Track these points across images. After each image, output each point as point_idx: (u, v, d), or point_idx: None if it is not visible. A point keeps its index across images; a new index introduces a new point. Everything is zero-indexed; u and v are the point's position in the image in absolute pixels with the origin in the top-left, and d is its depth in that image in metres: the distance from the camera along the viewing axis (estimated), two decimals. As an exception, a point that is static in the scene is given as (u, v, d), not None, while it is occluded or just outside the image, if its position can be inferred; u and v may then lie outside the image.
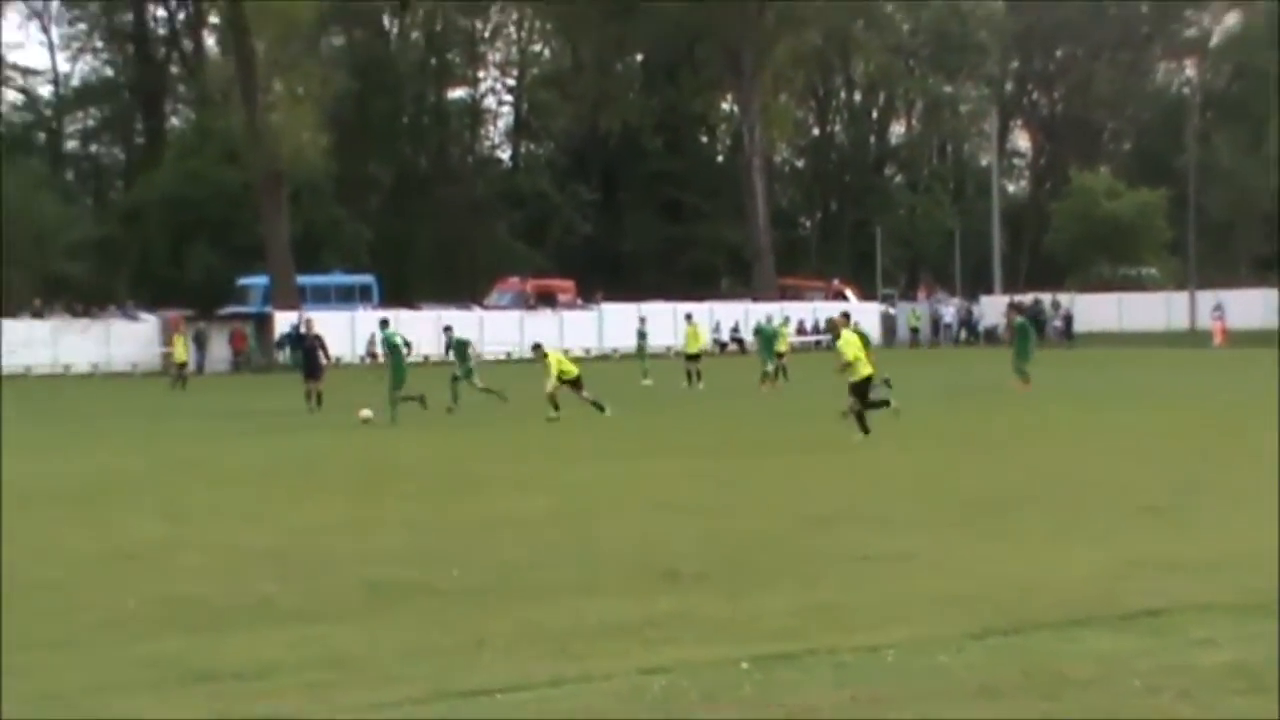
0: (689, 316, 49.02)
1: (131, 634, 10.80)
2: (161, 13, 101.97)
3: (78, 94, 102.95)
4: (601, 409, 32.21)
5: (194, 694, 9.07)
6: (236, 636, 10.68)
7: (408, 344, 35.75)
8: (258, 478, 22.21)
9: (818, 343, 74.60)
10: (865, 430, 25.54)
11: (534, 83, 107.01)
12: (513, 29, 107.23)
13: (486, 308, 78.13)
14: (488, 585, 12.61)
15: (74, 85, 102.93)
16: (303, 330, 41.53)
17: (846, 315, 29.15)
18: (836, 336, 27.38)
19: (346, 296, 76.68)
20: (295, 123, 72.92)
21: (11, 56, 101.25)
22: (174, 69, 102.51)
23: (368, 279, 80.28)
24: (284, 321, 67.09)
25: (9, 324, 67.22)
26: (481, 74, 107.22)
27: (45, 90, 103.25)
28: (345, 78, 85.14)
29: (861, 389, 26.03)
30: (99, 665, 9.83)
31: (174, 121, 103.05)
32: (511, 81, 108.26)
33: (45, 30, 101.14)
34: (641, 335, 51.56)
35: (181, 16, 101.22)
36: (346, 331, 66.27)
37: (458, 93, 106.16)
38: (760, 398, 39.25)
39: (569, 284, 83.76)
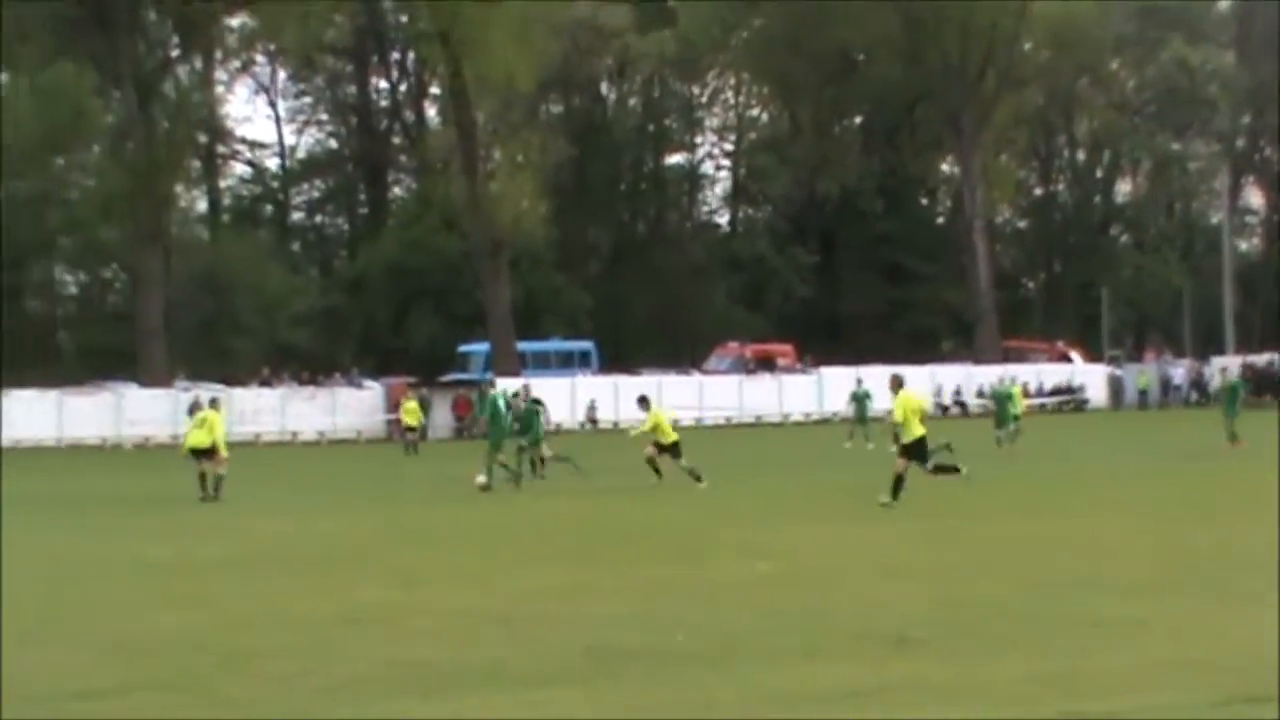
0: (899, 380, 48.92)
1: (362, 698, 10.82)
2: (384, 85, 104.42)
3: (303, 166, 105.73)
4: (698, 479, 31.42)
5: (425, 757, 9.05)
6: (466, 700, 10.65)
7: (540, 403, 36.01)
8: (483, 542, 22.31)
9: (1042, 405, 73.43)
10: (895, 496, 25.11)
11: (752, 147, 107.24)
12: (730, 94, 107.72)
13: (705, 373, 78.18)
14: (713, 650, 12.44)
15: (300, 157, 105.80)
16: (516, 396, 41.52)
17: (899, 379, 28.35)
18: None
19: (566, 362, 77.33)
20: (515, 190, 73.95)
21: (240, 130, 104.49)
22: (396, 140, 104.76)
23: (587, 345, 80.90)
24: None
25: (239, 392, 68.84)
26: (699, 139, 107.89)
27: (272, 163, 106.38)
28: (564, 145, 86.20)
29: (914, 449, 25.73)
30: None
31: (396, 191, 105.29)
32: (729, 146, 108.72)
33: (272, 104, 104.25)
34: (858, 398, 51.03)
35: (403, 88, 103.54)
36: (566, 397, 66.77)
37: (675, 158, 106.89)
38: (993, 459, 38.59)
39: (788, 348, 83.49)
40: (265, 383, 73.21)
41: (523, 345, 75.53)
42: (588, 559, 19.41)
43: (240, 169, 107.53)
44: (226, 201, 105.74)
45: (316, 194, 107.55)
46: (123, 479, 42.44)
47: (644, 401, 34.31)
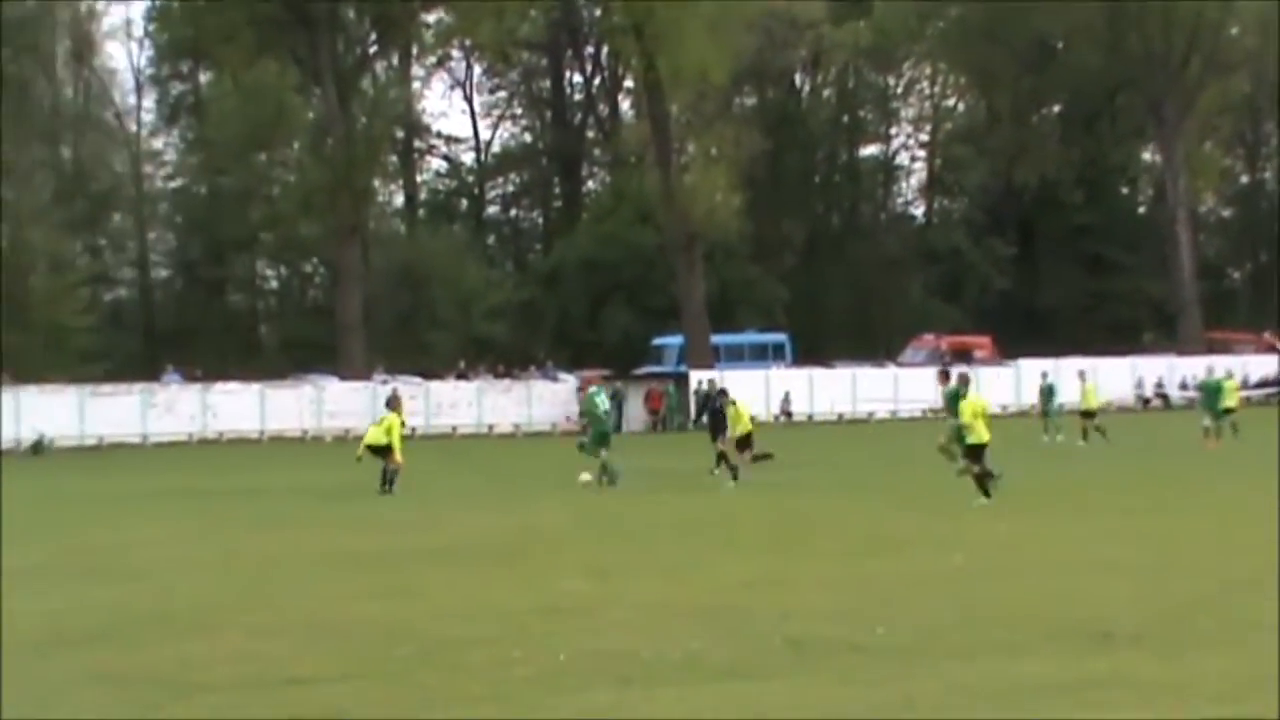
0: (1082, 374, 48.30)
1: (563, 687, 10.87)
2: (578, 79, 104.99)
3: (498, 160, 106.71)
4: (734, 479, 31.38)
5: (625, 747, 9.07)
6: (666, 691, 10.66)
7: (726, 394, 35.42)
8: (678, 535, 22.30)
9: (1248, 399, 71.76)
10: (987, 494, 25.28)
11: (948, 137, 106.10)
12: (926, 84, 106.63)
13: (900, 365, 77.54)
14: (912, 644, 12.33)
15: (495, 152, 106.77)
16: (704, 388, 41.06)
17: (965, 379, 28.81)
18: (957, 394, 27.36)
19: (760, 355, 77.12)
20: (709, 183, 73.90)
21: (436, 125, 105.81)
22: (590, 133, 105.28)
23: (780, 337, 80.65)
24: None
25: (436, 385, 69.72)
26: (894, 130, 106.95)
27: (468, 157, 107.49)
28: (758, 137, 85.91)
29: (977, 452, 25.87)
30: (533, 715, 9.91)
31: (590, 185, 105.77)
32: (925, 137, 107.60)
33: (468, 99, 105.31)
34: (1046, 392, 50.13)
35: (597, 82, 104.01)
36: (761, 390, 66.62)
37: (870, 149, 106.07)
38: (1197, 454, 37.81)
39: (985, 340, 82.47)
40: (462, 375, 73.99)
41: (716, 338, 75.47)
42: (782, 551, 19.33)
43: (436, 164, 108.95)
44: (423, 196, 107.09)
45: (511, 188, 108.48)
46: (323, 471, 43.17)
47: (724, 394, 34.34)
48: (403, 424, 33.53)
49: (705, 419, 36.48)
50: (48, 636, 13.51)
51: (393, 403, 33.83)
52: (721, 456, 33.94)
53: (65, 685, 11.12)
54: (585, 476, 32.47)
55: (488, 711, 10.16)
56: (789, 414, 68.78)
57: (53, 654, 12.60)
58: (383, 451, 31.98)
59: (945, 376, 29.96)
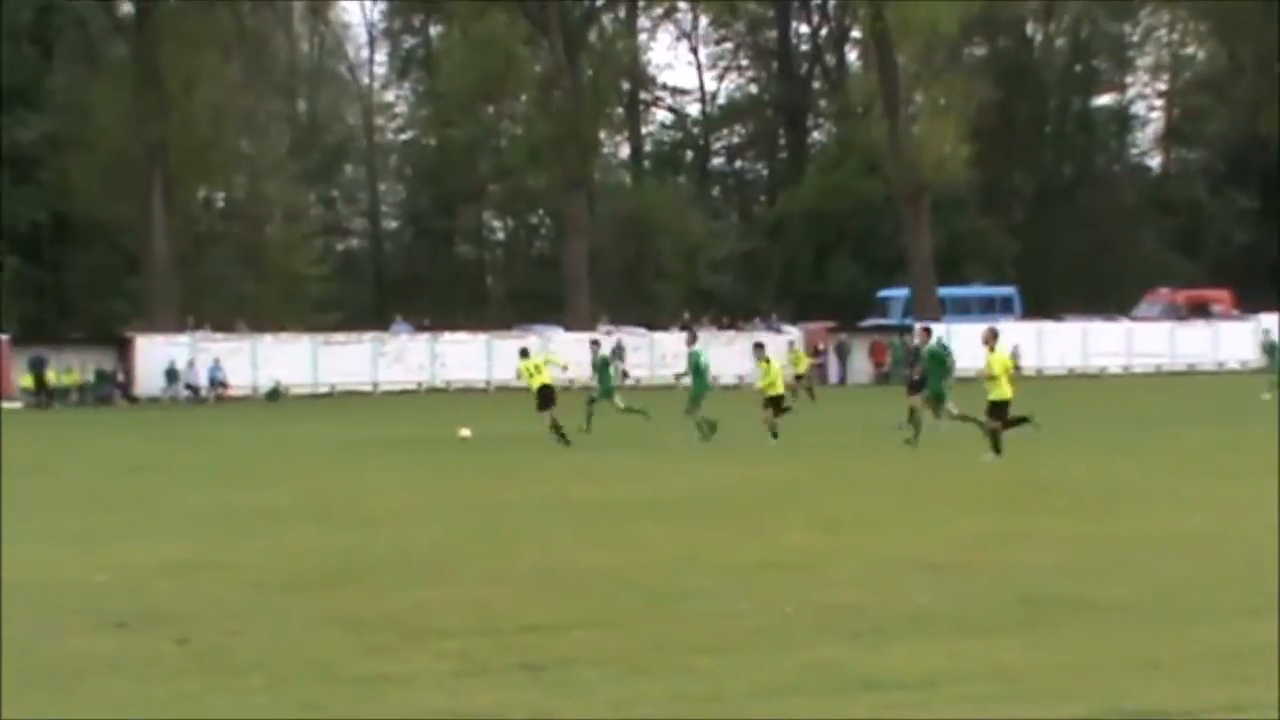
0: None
1: (790, 641, 10.81)
2: (805, 29, 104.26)
3: (724, 112, 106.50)
4: (774, 435, 30.91)
5: (857, 702, 8.98)
6: (896, 646, 10.54)
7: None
8: (904, 489, 22.09)
9: None
10: (997, 450, 25.59)
11: (1187, 86, 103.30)
12: (1164, 31, 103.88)
13: (1134, 319, 75.94)
14: (1151, 603, 12.06)
15: (720, 103, 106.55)
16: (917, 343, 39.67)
17: (995, 332, 28.39)
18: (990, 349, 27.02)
19: (987, 308, 76.07)
20: (938, 134, 72.97)
21: (662, 77, 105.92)
22: (817, 84, 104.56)
23: (1009, 290, 79.52)
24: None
25: (660, 336, 69.96)
26: (1130, 79, 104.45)
27: (693, 109, 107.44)
28: (988, 87, 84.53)
29: (999, 409, 26.10)
30: (761, 671, 9.87)
31: (816, 136, 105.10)
32: (1162, 86, 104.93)
33: (694, 50, 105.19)
34: (1270, 348, 48.74)
35: (824, 32, 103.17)
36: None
37: (1104, 99, 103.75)
38: None
39: (1224, 294, 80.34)
40: (685, 327, 74.11)
41: (943, 290, 74.64)
42: (1012, 508, 19.02)
43: (662, 115, 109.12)
44: (648, 148, 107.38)
45: (736, 139, 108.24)
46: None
47: (760, 349, 33.12)
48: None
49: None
50: (286, 578, 13.80)
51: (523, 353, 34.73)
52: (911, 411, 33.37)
53: (304, 626, 11.35)
54: (464, 432, 32.74)
55: (715, 662, 10.14)
56: (1018, 367, 67.74)
57: (292, 595, 12.87)
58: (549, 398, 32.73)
59: (927, 333, 30.05)
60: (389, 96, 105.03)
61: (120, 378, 62.33)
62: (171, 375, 62.10)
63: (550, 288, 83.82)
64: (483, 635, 10.98)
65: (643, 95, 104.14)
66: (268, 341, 65.65)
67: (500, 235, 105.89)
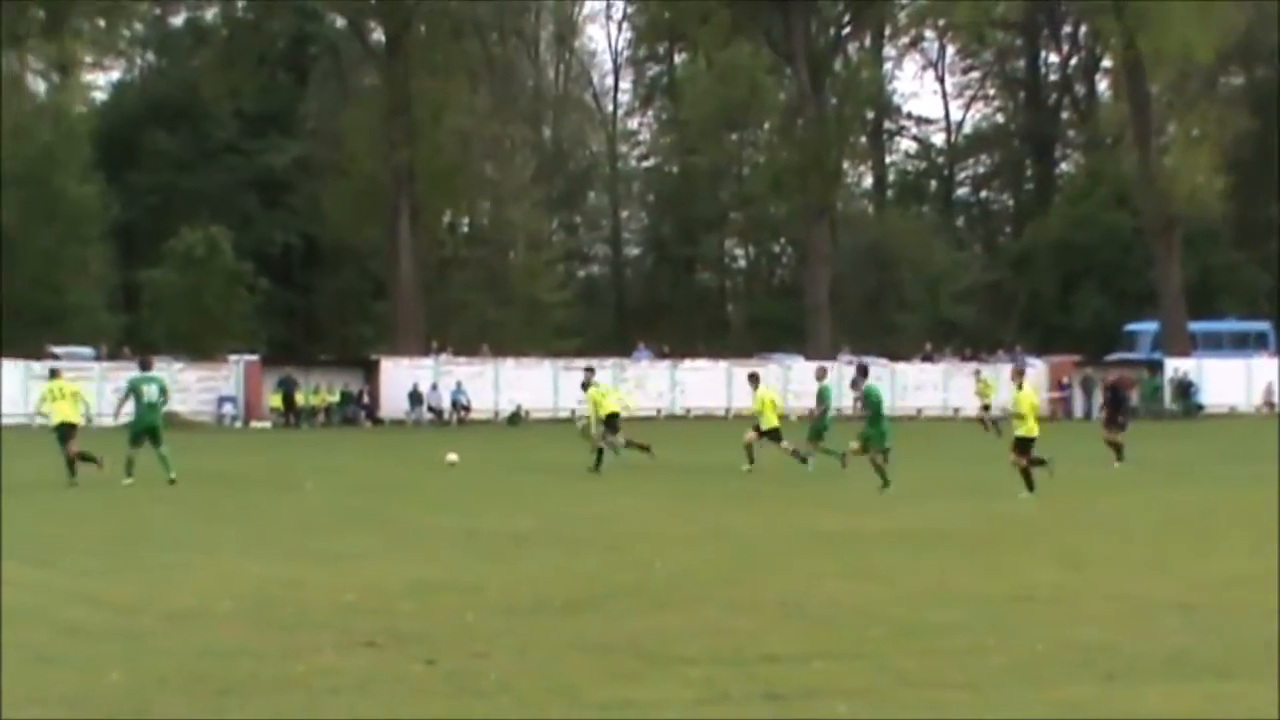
0: None
1: (1041, 679, 10.56)
2: (1054, 59, 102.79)
3: (969, 141, 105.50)
4: (803, 461, 31.36)
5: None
6: (1151, 688, 10.23)
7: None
8: (1155, 526, 21.54)
9: None
10: (1031, 487, 26.10)
11: None
12: None
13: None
14: None
15: (966, 133, 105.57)
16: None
17: (1021, 371, 28.95)
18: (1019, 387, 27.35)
19: (1240, 344, 74.14)
20: (1191, 165, 71.41)
21: (907, 106, 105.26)
22: (1065, 114, 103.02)
23: (1264, 326, 77.39)
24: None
25: (901, 367, 69.47)
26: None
27: (938, 138, 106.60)
28: (1244, 117, 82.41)
29: (1025, 446, 26.67)
30: (1012, 708, 9.65)
31: (1064, 167, 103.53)
32: None
33: (940, 80, 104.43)
34: None
35: (1074, 61, 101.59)
36: (1242, 380, 64.21)
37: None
38: None
39: None
40: (927, 358, 73.42)
41: (1194, 325, 72.95)
42: (1261, 549, 18.37)
43: (906, 144, 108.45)
44: (892, 177, 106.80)
45: (982, 169, 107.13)
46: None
47: (754, 379, 33.78)
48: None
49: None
50: (530, 601, 13.88)
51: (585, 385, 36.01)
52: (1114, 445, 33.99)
53: (549, 650, 11.39)
54: (451, 457, 32.84)
55: (964, 698, 9.95)
56: (1271, 405, 65.93)
57: (536, 619, 12.94)
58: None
59: (864, 372, 31.14)
60: (633, 124, 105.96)
61: (365, 399, 63.60)
62: (415, 398, 63.19)
63: (791, 316, 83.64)
64: (725, 664, 10.92)
65: (887, 124, 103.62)
66: (509, 366, 66.50)
67: (741, 263, 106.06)
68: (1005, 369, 67.90)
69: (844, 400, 44.38)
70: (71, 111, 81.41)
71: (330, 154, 78.69)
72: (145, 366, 31.13)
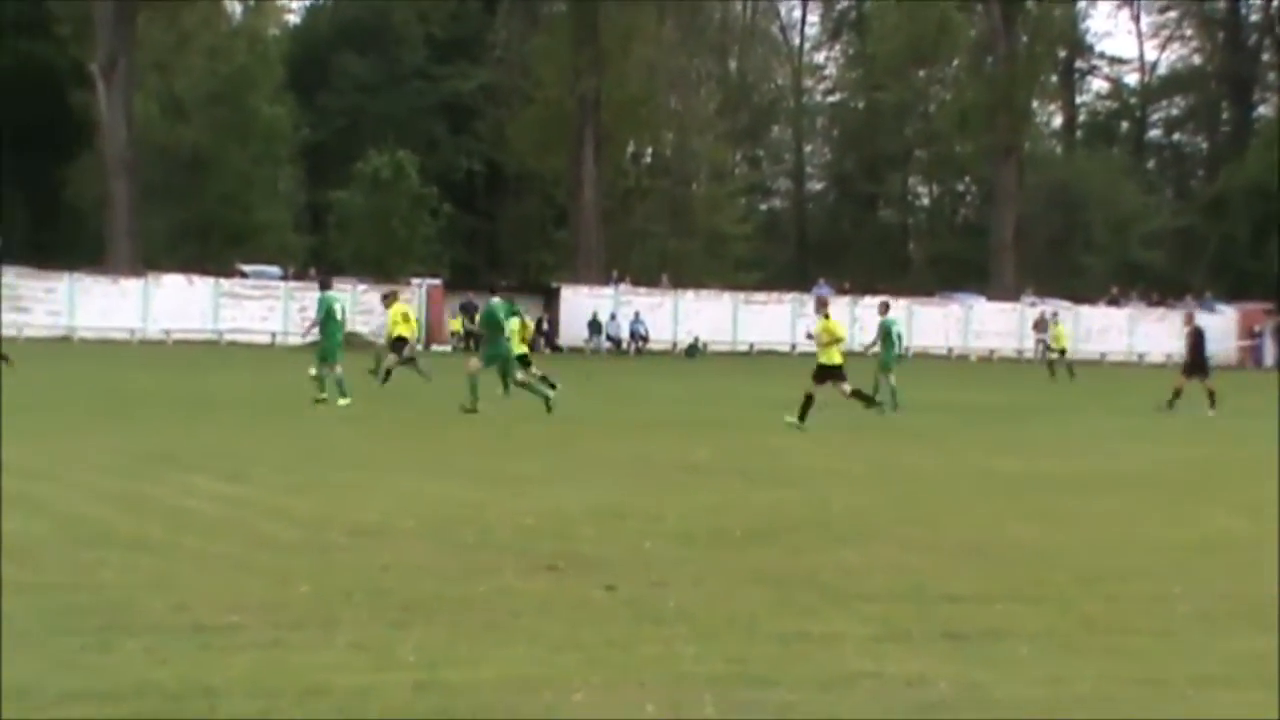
0: None
1: (1229, 629, 10.37)
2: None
3: (1163, 82, 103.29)
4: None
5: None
6: (1343, 644, 10.01)
7: None
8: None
9: None
10: (802, 417, 26.53)
11: None
12: None
13: None
14: None
15: (1160, 74, 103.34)
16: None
17: (824, 301, 29.26)
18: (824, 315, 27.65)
19: None
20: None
21: (1100, 45, 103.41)
22: (1266, 56, 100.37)
23: None
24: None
25: (1085, 310, 68.48)
26: None
27: (1131, 79, 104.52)
28: None
29: (825, 373, 27.26)
30: (1198, 658, 9.49)
31: (1262, 110, 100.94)
32: None
33: (1135, 19, 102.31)
34: None
35: (1276, 3, 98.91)
36: None
37: None
38: None
39: None
40: (1113, 302, 72.32)
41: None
42: None
43: (1098, 85, 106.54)
44: (1082, 117, 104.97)
45: (1176, 111, 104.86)
46: (967, 390, 43.23)
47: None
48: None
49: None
50: (709, 532, 13.91)
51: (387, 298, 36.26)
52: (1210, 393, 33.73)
53: (726, 581, 11.39)
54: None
55: (1149, 644, 9.80)
56: None
57: (714, 549, 12.95)
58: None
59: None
60: (819, 58, 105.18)
61: (545, 327, 64.11)
62: (594, 327, 63.60)
63: (974, 256, 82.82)
64: (904, 601, 10.85)
65: (1079, 63, 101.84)
66: (689, 298, 66.62)
67: (925, 201, 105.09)
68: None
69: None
70: (265, 34, 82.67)
71: (517, 81, 79.09)
72: (325, 286, 31.63)
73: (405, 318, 35.40)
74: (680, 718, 7.73)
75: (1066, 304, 68.76)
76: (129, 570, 11.04)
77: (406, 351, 34.89)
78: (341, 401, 28.52)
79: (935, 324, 67.87)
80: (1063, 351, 52.11)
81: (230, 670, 8.14)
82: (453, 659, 8.63)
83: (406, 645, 8.91)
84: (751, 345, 64.62)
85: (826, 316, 28.04)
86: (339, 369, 29.18)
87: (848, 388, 27.84)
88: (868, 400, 28.68)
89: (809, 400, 27.05)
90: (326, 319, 29.73)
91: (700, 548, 13.02)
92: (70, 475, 16.84)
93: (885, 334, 34.97)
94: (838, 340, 27.68)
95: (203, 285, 62.39)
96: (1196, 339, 35.73)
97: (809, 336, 28.85)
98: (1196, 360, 35.27)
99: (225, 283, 62.67)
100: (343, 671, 8.21)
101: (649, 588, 11.06)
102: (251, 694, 7.70)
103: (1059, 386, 46.67)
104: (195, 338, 60.11)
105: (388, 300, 36.02)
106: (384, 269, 64.48)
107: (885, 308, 37.07)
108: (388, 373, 34.08)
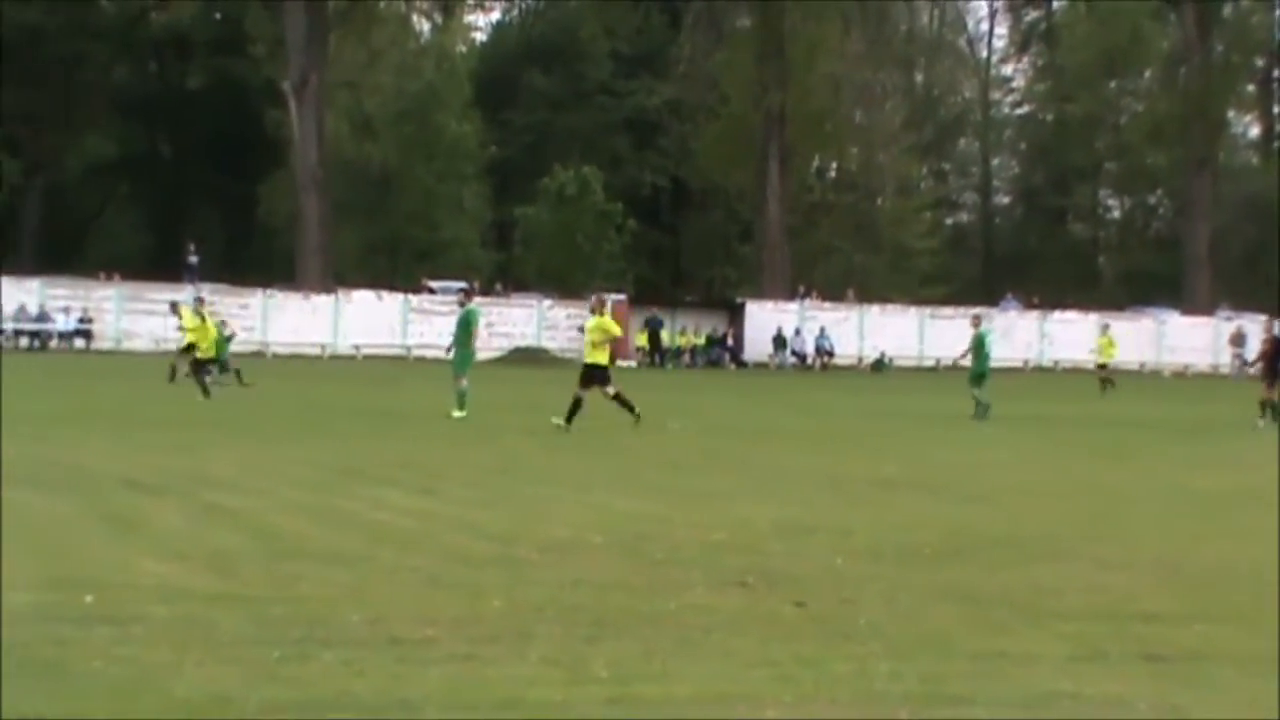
0: None
1: None
2: None
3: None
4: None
5: None
6: None
7: None
8: None
9: None
10: (568, 419, 26.45)
11: None
12: None
13: None
14: None
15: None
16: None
17: (603, 301, 28.58)
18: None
19: None
20: None
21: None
22: None
23: None
24: None
25: (1285, 324, 66.81)
26: None
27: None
28: None
29: (592, 376, 26.88)
30: None
31: None
32: None
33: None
34: None
35: None
36: None
37: None
38: None
39: None
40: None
41: None
42: None
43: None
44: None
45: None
46: (1162, 405, 42.44)
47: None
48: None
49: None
50: (899, 548, 13.77)
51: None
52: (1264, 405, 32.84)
53: (919, 598, 11.26)
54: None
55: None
56: None
57: (905, 566, 12.81)
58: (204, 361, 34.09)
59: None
60: (1007, 70, 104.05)
61: (730, 342, 64.10)
62: (779, 341, 63.42)
63: (1166, 269, 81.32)
64: (1101, 620, 10.64)
65: (1277, 72, 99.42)
66: (875, 312, 66.20)
67: (1115, 214, 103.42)
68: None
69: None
70: (453, 51, 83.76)
71: (702, 96, 79.20)
72: (465, 301, 31.49)
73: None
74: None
75: (1263, 317, 67.15)
76: (325, 583, 11.19)
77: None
78: (456, 414, 28.65)
79: (1127, 338, 66.76)
80: (1103, 365, 50.85)
81: (426, 683, 8.21)
82: (645, 674, 8.62)
83: (599, 660, 8.92)
84: (938, 360, 64.05)
85: (601, 314, 27.86)
86: (464, 381, 29.23)
87: (611, 390, 27.43)
88: (629, 407, 27.78)
89: (577, 403, 26.88)
90: (462, 332, 29.84)
91: (890, 564, 12.90)
92: (266, 488, 17.15)
93: (978, 346, 34.52)
94: (611, 339, 27.47)
95: (391, 301, 63.29)
96: (1275, 347, 34.73)
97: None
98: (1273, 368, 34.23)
99: (413, 298, 63.49)
100: (536, 686, 8.24)
101: (839, 604, 10.97)
102: (447, 707, 7.75)
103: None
104: (384, 353, 60.98)
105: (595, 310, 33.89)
106: (568, 284, 64.91)
107: (978, 320, 36.71)
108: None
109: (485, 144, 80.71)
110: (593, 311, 28.72)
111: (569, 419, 26.73)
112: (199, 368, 33.91)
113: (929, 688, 8.56)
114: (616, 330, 28.10)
